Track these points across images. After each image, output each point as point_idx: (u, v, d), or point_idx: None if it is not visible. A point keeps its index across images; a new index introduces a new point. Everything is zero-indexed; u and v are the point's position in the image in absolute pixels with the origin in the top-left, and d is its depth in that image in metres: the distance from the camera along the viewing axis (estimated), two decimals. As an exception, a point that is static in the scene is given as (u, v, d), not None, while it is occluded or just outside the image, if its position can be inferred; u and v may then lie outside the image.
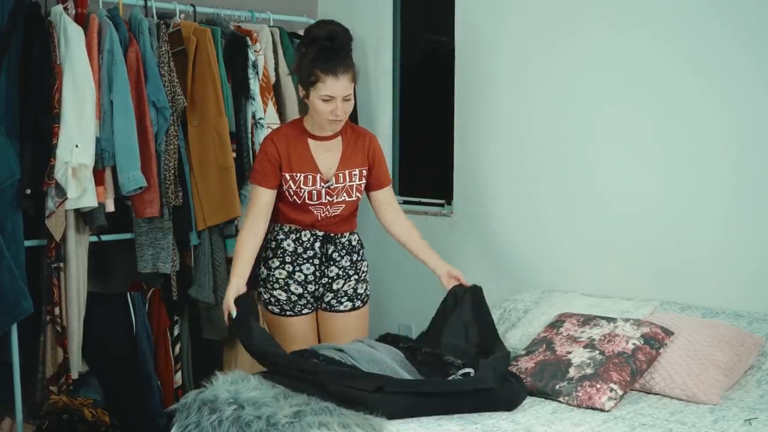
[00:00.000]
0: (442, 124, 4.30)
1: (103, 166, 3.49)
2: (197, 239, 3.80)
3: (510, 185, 4.00)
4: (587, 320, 3.11)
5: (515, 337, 3.39)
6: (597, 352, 2.89)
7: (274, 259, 3.24)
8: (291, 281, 3.23)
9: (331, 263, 3.25)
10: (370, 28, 4.55)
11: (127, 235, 3.72)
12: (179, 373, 3.83)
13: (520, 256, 4.00)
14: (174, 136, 3.66)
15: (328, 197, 3.17)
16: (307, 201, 3.16)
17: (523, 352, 3.05)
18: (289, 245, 3.22)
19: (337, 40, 3.06)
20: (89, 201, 3.42)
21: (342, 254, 3.26)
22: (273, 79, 4.04)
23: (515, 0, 3.95)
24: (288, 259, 3.22)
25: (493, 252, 4.09)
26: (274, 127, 3.95)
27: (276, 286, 3.24)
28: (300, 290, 3.24)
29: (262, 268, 3.28)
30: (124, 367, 3.64)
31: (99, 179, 3.48)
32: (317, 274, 3.24)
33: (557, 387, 2.78)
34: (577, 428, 2.52)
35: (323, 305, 3.30)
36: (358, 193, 3.23)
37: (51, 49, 3.36)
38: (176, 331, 3.85)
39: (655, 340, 2.90)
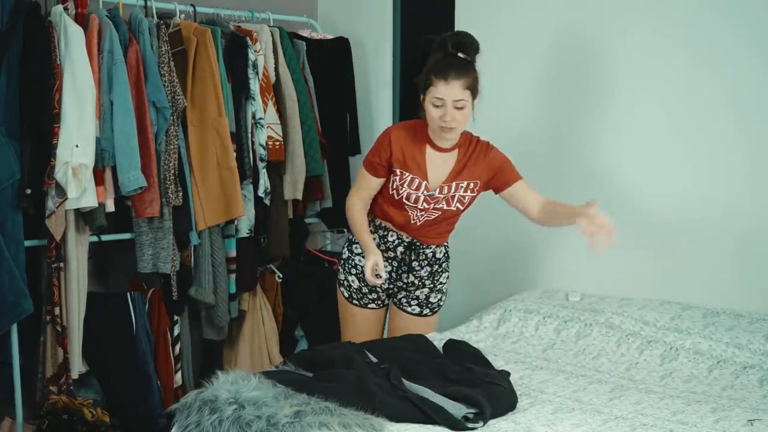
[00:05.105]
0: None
1: (103, 166, 3.49)
2: (197, 239, 3.80)
3: (510, 185, 4.00)
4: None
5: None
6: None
7: (359, 246, 3.26)
8: None
9: (410, 272, 3.27)
10: (370, 28, 4.55)
11: (127, 235, 3.72)
12: (179, 373, 3.83)
13: (520, 256, 3.99)
14: (174, 136, 3.66)
15: (425, 204, 3.16)
16: (404, 200, 3.16)
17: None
18: (374, 240, 3.24)
19: (462, 47, 3.08)
20: (89, 201, 3.42)
21: (422, 265, 3.28)
22: (273, 79, 4.04)
23: (515, 0, 3.95)
24: None
25: (493, 252, 4.09)
26: (275, 127, 3.96)
27: (353, 271, 3.28)
28: None
29: (345, 249, 3.33)
30: (124, 367, 3.64)
31: (99, 179, 3.48)
32: (393, 275, 3.27)
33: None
34: (578, 428, 2.51)
35: (395, 300, 3.35)
36: (459, 205, 3.19)
37: (51, 49, 3.36)
38: (176, 331, 3.84)
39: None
